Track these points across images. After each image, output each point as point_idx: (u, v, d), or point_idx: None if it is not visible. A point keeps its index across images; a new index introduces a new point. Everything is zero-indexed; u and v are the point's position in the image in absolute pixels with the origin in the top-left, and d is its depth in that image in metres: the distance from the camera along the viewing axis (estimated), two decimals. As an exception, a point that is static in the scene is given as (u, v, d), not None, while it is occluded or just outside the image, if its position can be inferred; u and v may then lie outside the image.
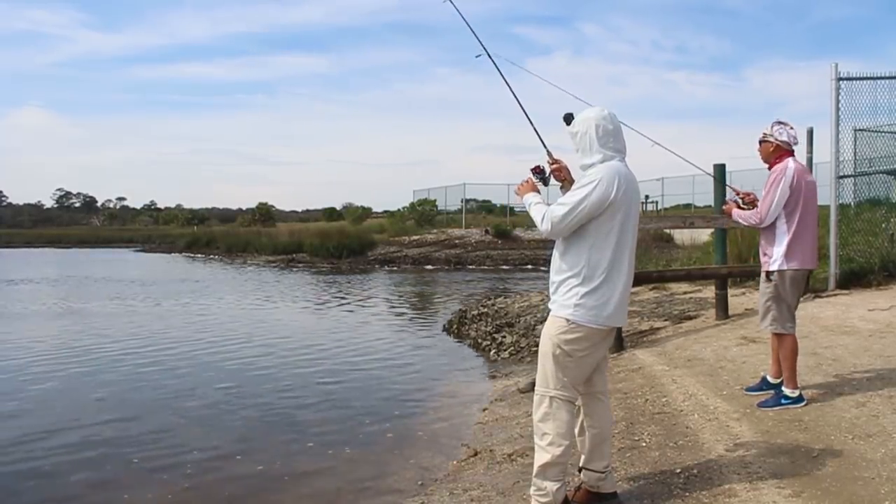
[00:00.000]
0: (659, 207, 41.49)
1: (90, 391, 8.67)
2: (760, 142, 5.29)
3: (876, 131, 11.00)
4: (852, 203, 12.12)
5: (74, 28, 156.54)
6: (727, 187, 6.97)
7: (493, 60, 4.53)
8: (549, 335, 3.56)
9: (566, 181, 3.79)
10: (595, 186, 3.40)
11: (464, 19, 4.76)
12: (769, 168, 5.24)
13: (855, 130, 10.43)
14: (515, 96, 4.42)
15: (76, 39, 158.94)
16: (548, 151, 3.97)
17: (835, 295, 9.51)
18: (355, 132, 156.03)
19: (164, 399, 8.24)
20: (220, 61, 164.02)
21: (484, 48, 4.51)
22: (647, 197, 40.33)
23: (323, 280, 26.46)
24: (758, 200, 5.34)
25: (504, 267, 31.67)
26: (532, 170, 3.84)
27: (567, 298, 3.49)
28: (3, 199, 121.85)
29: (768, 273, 5.17)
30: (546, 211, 3.50)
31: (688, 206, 41.02)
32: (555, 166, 3.83)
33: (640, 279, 8.75)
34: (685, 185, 39.20)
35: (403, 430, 6.86)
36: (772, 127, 5.21)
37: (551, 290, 3.62)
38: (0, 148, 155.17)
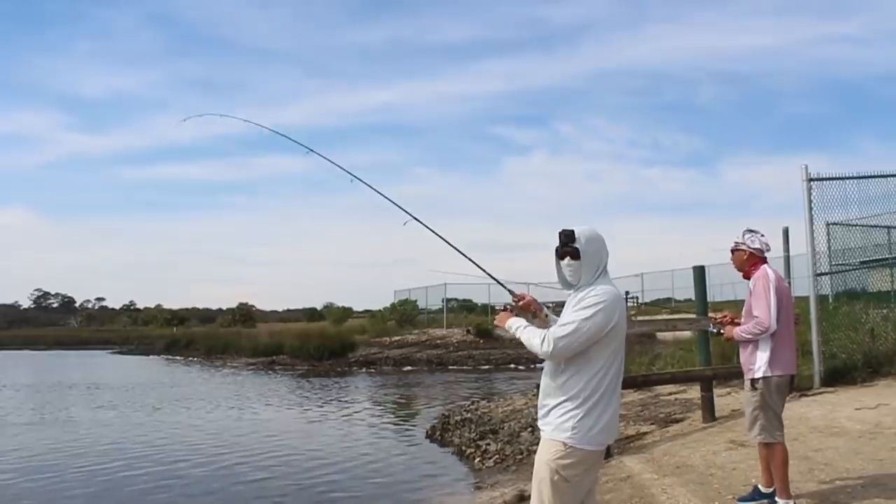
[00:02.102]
0: (640, 303, 41.60)
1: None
2: (733, 250, 5.33)
3: (848, 225, 11.20)
4: (830, 296, 12.24)
5: (59, 130, 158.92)
6: (709, 318, 6.84)
7: (423, 223, 4.43)
8: (546, 461, 3.43)
9: (538, 311, 3.76)
10: (600, 309, 3.36)
11: (378, 192, 4.69)
12: (744, 276, 5.26)
13: (828, 224, 10.60)
14: (457, 248, 4.35)
15: (61, 141, 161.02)
16: (509, 291, 3.94)
17: (821, 393, 9.42)
18: (336, 232, 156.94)
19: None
20: (202, 162, 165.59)
21: (410, 214, 4.44)
22: (627, 293, 40.45)
23: (303, 383, 26.02)
24: (738, 317, 5.33)
25: (485, 367, 31.35)
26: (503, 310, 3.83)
27: (563, 421, 3.39)
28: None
29: (753, 381, 5.11)
30: (547, 332, 3.41)
31: (668, 299, 41.15)
32: (521, 303, 3.78)
33: (626, 384, 8.59)
34: (665, 280, 39.49)
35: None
36: (743, 235, 5.25)
37: (541, 412, 3.53)
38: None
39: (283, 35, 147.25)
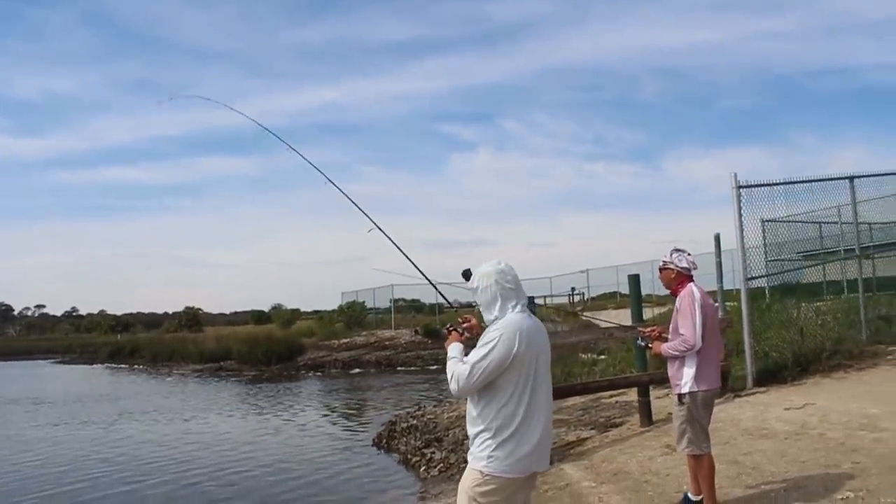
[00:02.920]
0: (586, 298, 42.20)
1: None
2: (661, 269, 5.54)
3: (781, 221, 11.63)
4: (766, 290, 12.65)
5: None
6: (637, 330, 6.99)
7: (384, 233, 4.64)
8: (465, 489, 3.55)
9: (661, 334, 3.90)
10: (495, 344, 3.46)
11: (350, 199, 4.91)
12: (672, 293, 5.46)
13: (762, 221, 10.99)
14: (411, 260, 4.52)
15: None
16: (455, 309, 4.10)
17: (753, 394, 9.74)
18: (283, 232, 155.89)
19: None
20: (144, 164, 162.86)
21: (375, 224, 4.68)
22: (573, 289, 41.09)
23: (249, 389, 25.89)
24: (666, 332, 5.54)
25: (433, 367, 31.46)
26: (448, 330, 3.92)
27: (481, 451, 3.50)
28: None
29: (680, 396, 5.31)
30: (454, 370, 3.55)
31: (614, 294, 41.82)
32: (466, 325, 3.91)
33: (565, 392, 8.86)
34: (609, 276, 40.17)
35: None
36: (671, 254, 5.45)
37: (470, 442, 3.64)
38: None
39: (225, 35, 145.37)
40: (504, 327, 3.51)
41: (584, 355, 16.05)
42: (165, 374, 35.68)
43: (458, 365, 3.56)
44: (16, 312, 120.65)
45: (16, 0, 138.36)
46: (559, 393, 8.32)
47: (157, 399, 23.74)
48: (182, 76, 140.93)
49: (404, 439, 12.01)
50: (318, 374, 31.63)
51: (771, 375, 10.27)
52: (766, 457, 6.70)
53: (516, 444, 3.48)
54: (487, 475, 3.47)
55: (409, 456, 10.97)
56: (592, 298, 42.51)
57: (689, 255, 5.46)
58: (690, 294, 5.30)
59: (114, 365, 45.32)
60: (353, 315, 42.16)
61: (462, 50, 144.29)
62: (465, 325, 3.91)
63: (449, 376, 3.59)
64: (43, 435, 16.18)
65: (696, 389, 5.24)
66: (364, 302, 44.03)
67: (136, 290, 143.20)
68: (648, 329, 5.87)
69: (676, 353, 5.31)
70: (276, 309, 66.35)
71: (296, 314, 57.31)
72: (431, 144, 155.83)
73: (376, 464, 11.36)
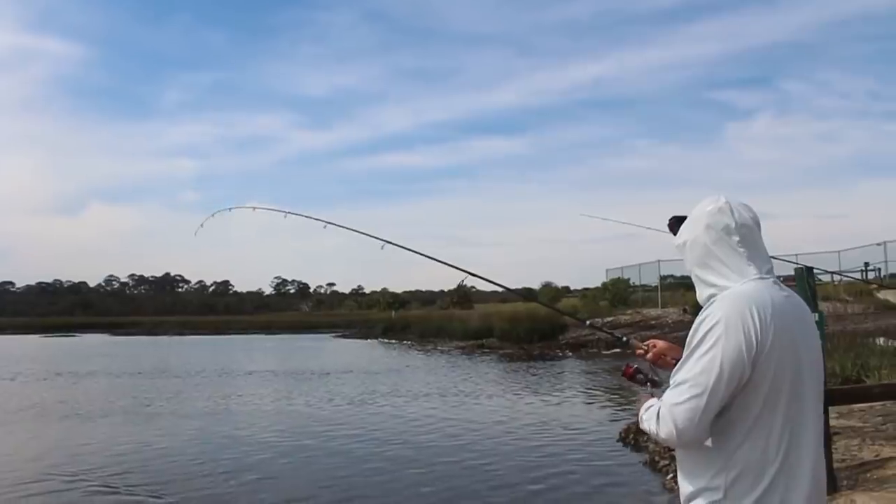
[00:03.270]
0: (882, 275, 36.72)
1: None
2: None
3: None
4: None
5: (291, 129, 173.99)
6: None
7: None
8: None
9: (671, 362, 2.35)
10: (715, 342, 1.99)
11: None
12: None
13: None
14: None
15: (292, 139, 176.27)
16: (626, 341, 2.90)
17: None
18: (554, 210, 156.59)
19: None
20: (420, 149, 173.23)
21: (384, 240, 4.50)
22: (866, 264, 35.84)
23: (507, 368, 25.45)
24: None
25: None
26: (624, 375, 2.55)
27: None
28: (230, 287, 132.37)
29: None
30: (660, 409, 2.10)
31: (920, 268, 36.00)
32: (648, 356, 2.55)
33: (854, 395, 6.69)
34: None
35: None
36: None
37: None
38: (228, 241, 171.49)
39: (492, 18, 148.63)
40: (721, 311, 2.01)
41: (881, 342, 13.20)
42: (430, 350, 36.39)
43: (659, 403, 2.12)
44: (311, 290, 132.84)
45: (307, 8, 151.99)
46: (846, 397, 6.26)
47: (417, 375, 23.81)
48: (452, 62, 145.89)
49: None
50: (579, 354, 30.41)
51: None
52: None
53: None
54: None
55: (656, 458, 9.29)
56: (892, 275, 36.86)
57: None
58: None
59: (385, 340, 47.34)
60: (618, 292, 40.52)
61: (735, 9, 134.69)
62: (647, 356, 2.55)
63: (652, 422, 2.12)
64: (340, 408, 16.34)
65: None
66: (629, 279, 42.13)
67: (414, 269, 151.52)
68: None
69: None
70: (546, 286, 66.09)
71: (562, 292, 56.66)
72: (705, 113, 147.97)
73: (617, 460, 9.92)
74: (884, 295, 28.52)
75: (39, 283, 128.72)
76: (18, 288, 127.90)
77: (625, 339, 2.94)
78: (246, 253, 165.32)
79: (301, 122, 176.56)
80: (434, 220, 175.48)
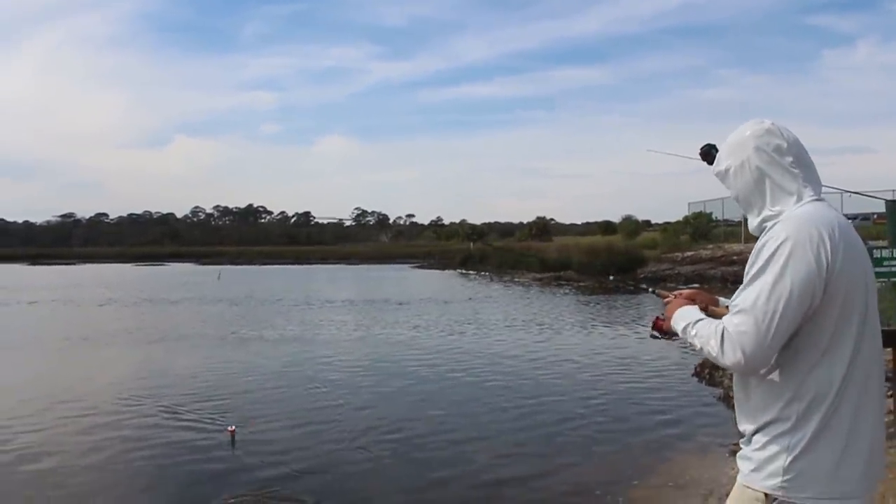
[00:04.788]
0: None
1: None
2: None
3: None
4: None
5: (369, 60, 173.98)
6: None
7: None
8: None
9: (707, 304, 2.30)
10: (782, 269, 1.93)
11: None
12: None
13: None
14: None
15: (370, 70, 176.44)
16: (648, 289, 2.92)
17: None
18: (634, 142, 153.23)
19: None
20: (498, 79, 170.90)
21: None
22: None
23: (583, 301, 25.57)
24: None
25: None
26: (655, 328, 2.39)
27: (769, 457, 2.01)
28: (311, 218, 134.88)
29: None
30: (721, 330, 2.00)
31: None
32: (677, 302, 2.34)
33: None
34: None
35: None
36: None
37: (745, 442, 2.15)
38: (309, 172, 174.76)
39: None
40: (792, 230, 1.96)
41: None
42: (507, 282, 36.67)
43: (720, 322, 2.03)
44: (391, 221, 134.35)
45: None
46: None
47: (496, 306, 24.20)
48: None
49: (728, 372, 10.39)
50: (659, 286, 30.22)
51: None
52: None
53: (833, 448, 1.96)
54: (781, 502, 2.00)
55: (730, 393, 9.40)
56: None
57: None
58: None
59: (464, 271, 47.80)
60: (699, 227, 39.73)
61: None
62: (672, 302, 2.34)
63: (714, 342, 2.01)
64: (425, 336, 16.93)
65: None
66: (712, 213, 41.23)
67: (494, 200, 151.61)
68: None
69: None
70: (627, 219, 65.29)
71: (641, 225, 55.81)
72: (799, 41, 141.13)
73: (690, 396, 10.04)
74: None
75: (130, 215, 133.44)
76: (112, 219, 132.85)
77: (651, 290, 2.96)
78: (323, 184, 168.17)
79: (379, 52, 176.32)
80: (512, 152, 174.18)
